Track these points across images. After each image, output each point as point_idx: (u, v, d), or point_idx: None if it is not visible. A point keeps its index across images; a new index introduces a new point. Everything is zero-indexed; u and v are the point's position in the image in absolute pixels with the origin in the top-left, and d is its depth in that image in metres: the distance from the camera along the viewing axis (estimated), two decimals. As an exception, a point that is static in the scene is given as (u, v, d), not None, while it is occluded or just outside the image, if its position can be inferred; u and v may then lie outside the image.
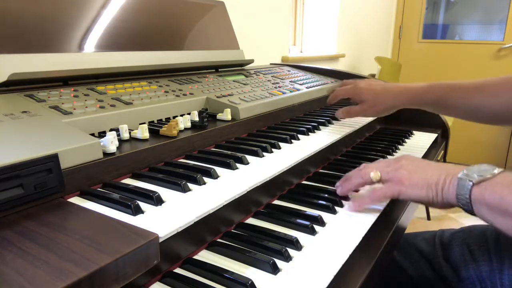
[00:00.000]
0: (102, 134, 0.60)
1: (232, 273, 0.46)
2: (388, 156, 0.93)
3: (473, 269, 0.71)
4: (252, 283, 0.44)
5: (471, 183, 0.52)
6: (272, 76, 1.16)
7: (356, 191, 0.69)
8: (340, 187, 0.66)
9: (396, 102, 0.87)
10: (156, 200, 0.47)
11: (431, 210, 2.53)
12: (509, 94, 0.75)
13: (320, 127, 0.89)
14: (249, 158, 0.65)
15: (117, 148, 0.56)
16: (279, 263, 0.48)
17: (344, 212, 0.63)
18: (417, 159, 0.62)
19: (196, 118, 0.73)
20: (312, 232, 0.56)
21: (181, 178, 0.53)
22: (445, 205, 0.56)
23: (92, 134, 0.59)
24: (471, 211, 0.53)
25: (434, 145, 1.07)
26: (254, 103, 0.85)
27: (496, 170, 0.53)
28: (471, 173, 0.53)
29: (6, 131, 0.48)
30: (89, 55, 0.80)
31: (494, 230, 0.74)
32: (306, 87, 1.11)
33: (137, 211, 0.44)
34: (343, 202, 0.66)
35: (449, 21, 3.89)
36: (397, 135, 1.08)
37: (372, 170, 0.62)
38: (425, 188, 0.57)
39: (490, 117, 0.79)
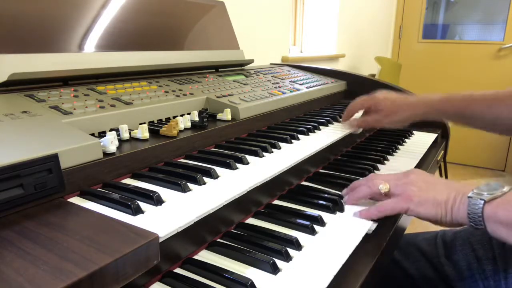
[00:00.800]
0: (102, 134, 0.60)
1: (232, 273, 0.46)
2: (388, 156, 0.93)
3: (476, 268, 0.71)
4: (252, 283, 0.44)
5: (482, 201, 0.52)
6: (272, 76, 1.16)
7: None
8: (347, 196, 0.65)
9: (415, 112, 0.84)
10: (156, 200, 0.47)
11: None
12: None
13: (320, 127, 0.89)
14: (249, 158, 0.65)
15: (117, 148, 0.56)
16: (279, 263, 0.48)
17: (344, 212, 0.63)
18: (426, 175, 0.62)
19: (196, 118, 0.73)
20: (312, 232, 0.56)
21: (181, 178, 0.53)
22: (454, 224, 0.56)
23: (92, 134, 0.59)
24: (483, 230, 0.53)
25: (434, 145, 1.07)
26: (254, 103, 0.85)
27: (506, 188, 0.53)
28: (481, 192, 0.53)
29: (6, 131, 0.48)
30: (89, 55, 0.80)
31: None
32: (306, 87, 1.11)
33: (137, 211, 0.44)
34: (344, 204, 0.66)
35: (449, 21, 3.89)
36: (397, 135, 1.08)
37: (382, 182, 0.61)
38: (435, 207, 0.56)
39: (508, 129, 0.78)
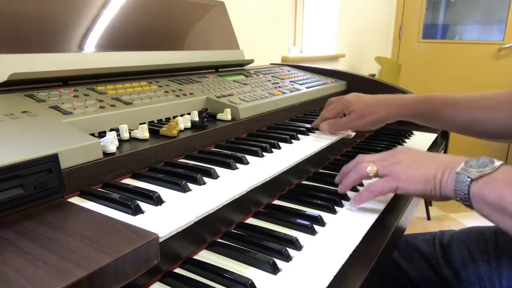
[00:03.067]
0: (102, 134, 0.60)
1: (232, 273, 0.46)
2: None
3: (472, 269, 0.71)
4: (252, 283, 0.44)
5: (469, 179, 0.51)
6: (272, 76, 1.16)
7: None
8: (340, 185, 0.66)
9: (388, 113, 0.80)
10: (156, 200, 0.47)
11: (431, 210, 2.53)
12: (506, 109, 0.73)
13: (320, 127, 0.89)
14: (249, 158, 0.65)
15: (117, 148, 0.56)
16: (279, 263, 0.48)
17: (344, 212, 0.63)
18: (414, 151, 0.62)
19: (196, 118, 0.73)
20: (312, 232, 0.56)
21: (181, 178, 0.53)
22: (443, 198, 0.56)
23: (92, 134, 0.59)
24: (469, 206, 0.53)
25: (434, 145, 1.07)
26: (254, 103, 0.85)
27: (496, 163, 0.52)
28: (470, 168, 0.52)
29: (6, 131, 0.48)
30: (89, 55, 0.80)
31: (493, 232, 0.74)
32: (306, 87, 1.11)
33: (137, 211, 0.44)
34: (343, 202, 0.66)
35: (449, 21, 3.89)
36: (397, 135, 1.08)
37: (369, 164, 0.61)
38: (423, 183, 0.56)
39: (485, 132, 0.77)
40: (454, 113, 0.77)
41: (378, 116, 0.80)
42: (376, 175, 0.61)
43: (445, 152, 1.12)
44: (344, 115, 0.84)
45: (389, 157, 0.61)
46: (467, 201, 0.52)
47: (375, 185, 0.60)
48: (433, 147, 1.05)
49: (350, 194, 0.69)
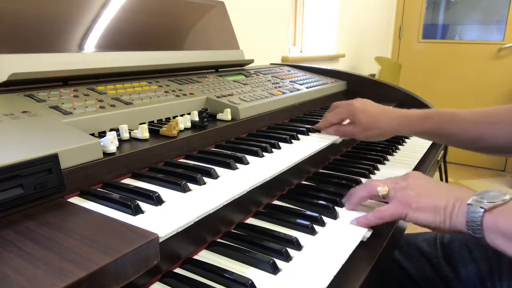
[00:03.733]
0: (102, 134, 0.60)
1: (232, 273, 0.46)
2: (388, 156, 0.93)
3: (472, 269, 0.71)
4: (252, 283, 0.44)
5: (482, 209, 0.50)
6: (272, 76, 1.16)
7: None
8: (348, 202, 0.64)
9: (393, 129, 0.80)
10: (156, 200, 0.47)
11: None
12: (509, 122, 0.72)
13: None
14: (249, 158, 0.65)
15: (117, 148, 0.56)
16: (279, 263, 0.48)
17: (344, 212, 0.63)
18: (425, 178, 0.60)
19: (196, 118, 0.73)
20: (312, 232, 0.56)
21: (181, 178, 0.53)
22: (453, 231, 0.55)
23: (92, 134, 0.59)
24: (483, 240, 0.51)
25: (434, 145, 1.07)
26: (254, 103, 0.85)
27: (508, 197, 0.51)
28: (481, 199, 0.51)
29: (6, 131, 0.48)
30: (89, 55, 0.80)
31: None
32: (306, 87, 1.11)
33: (137, 211, 0.44)
34: (343, 201, 0.66)
35: (449, 21, 3.89)
36: (397, 136, 1.08)
37: (380, 184, 0.60)
38: (433, 213, 0.55)
39: (491, 148, 0.76)
40: (460, 128, 0.76)
41: (381, 132, 0.81)
42: (385, 196, 0.60)
43: (445, 152, 1.12)
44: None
45: (400, 181, 0.60)
46: (479, 234, 0.51)
47: (385, 210, 0.58)
48: (433, 147, 1.05)
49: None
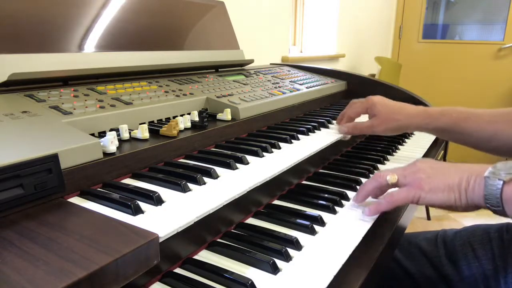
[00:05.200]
0: (102, 134, 0.60)
1: (232, 273, 0.46)
2: (388, 156, 0.93)
3: (476, 268, 0.71)
4: (252, 283, 0.44)
5: (501, 182, 0.49)
6: (272, 76, 1.16)
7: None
8: (356, 194, 0.64)
9: (410, 122, 0.80)
10: (156, 200, 0.47)
11: (431, 210, 2.53)
12: None
13: (320, 127, 0.89)
14: (249, 158, 0.65)
15: (117, 148, 0.56)
16: (279, 263, 0.48)
17: (344, 212, 0.63)
18: (433, 161, 0.60)
19: (196, 118, 0.73)
20: (312, 232, 0.56)
21: (181, 178, 0.53)
22: (470, 207, 0.53)
23: (92, 134, 0.59)
24: (502, 212, 0.50)
25: (434, 145, 1.07)
26: (254, 103, 0.85)
27: None
28: (499, 171, 0.50)
29: (6, 131, 0.48)
30: (89, 55, 0.80)
31: (498, 230, 0.74)
32: (306, 87, 1.11)
33: (137, 211, 0.44)
34: (344, 202, 0.66)
35: (449, 21, 3.89)
36: (397, 135, 1.08)
37: (389, 173, 0.59)
38: (447, 191, 0.53)
39: (506, 148, 0.74)
40: (475, 126, 0.75)
41: (400, 124, 0.80)
42: (396, 184, 0.59)
43: (445, 152, 1.12)
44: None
45: (409, 166, 0.60)
46: (498, 207, 0.50)
47: (397, 195, 0.57)
48: (433, 147, 1.05)
49: (350, 194, 0.69)
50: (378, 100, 0.82)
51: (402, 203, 0.57)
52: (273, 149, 0.71)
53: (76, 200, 0.47)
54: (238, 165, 0.62)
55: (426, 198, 0.55)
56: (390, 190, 0.61)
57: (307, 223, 0.57)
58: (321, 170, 0.83)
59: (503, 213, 0.50)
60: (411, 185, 0.57)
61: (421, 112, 0.80)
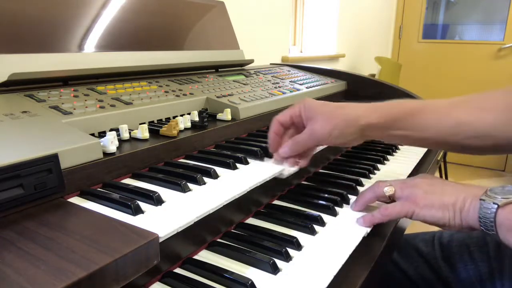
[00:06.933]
0: (102, 134, 0.60)
1: (232, 273, 0.46)
2: (388, 156, 0.93)
3: (472, 270, 0.71)
4: (252, 283, 0.44)
5: (495, 205, 0.49)
6: (272, 76, 1.16)
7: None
8: (354, 203, 0.64)
9: (364, 119, 0.60)
10: (156, 200, 0.47)
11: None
12: (496, 108, 0.58)
13: (320, 127, 0.89)
14: (249, 158, 0.64)
15: (117, 148, 0.56)
16: (279, 263, 0.48)
17: (344, 212, 0.63)
18: (433, 178, 0.59)
19: (196, 118, 0.73)
20: (312, 232, 0.56)
21: (181, 178, 0.53)
22: (464, 228, 0.53)
23: (92, 134, 0.59)
24: (494, 235, 0.50)
25: (430, 150, 1.07)
26: (254, 103, 0.85)
27: None
28: (495, 195, 0.50)
29: (6, 131, 0.48)
30: (89, 55, 0.80)
31: None
32: (306, 87, 1.11)
33: (137, 211, 0.44)
34: (343, 202, 0.66)
35: (449, 21, 3.89)
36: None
37: (387, 185, 0.59)
38: (441, 210, 0.53)
39: (471, 137, 0.59)
40: (434, 118, 0.60)
41: (348, 117, 0.61)
42: (393, 196, 0.59)
43: (445, 152, 1.12)
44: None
45: (408, 180, 0.60)
46: (492, 230, 0.49)
47: (391, 208, 0.57)
48: (429, 153, 1.04)
49: (350, 195, 0.69)
50: (309, 100, 0.63)
51: (396, 217, 0.57)
52: (273, 149, 0.70)
53: (76, 200, 0.48)
54: (238, 165, 0.62)
55: (420, 214, 0.55)
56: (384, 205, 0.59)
57: (307, 223, 0.57)
58: (321, 170, 0.83)
59: (497, 237, 0.50)
60: (406, 200, 0.57)
61: (373, 106, 0.62)
